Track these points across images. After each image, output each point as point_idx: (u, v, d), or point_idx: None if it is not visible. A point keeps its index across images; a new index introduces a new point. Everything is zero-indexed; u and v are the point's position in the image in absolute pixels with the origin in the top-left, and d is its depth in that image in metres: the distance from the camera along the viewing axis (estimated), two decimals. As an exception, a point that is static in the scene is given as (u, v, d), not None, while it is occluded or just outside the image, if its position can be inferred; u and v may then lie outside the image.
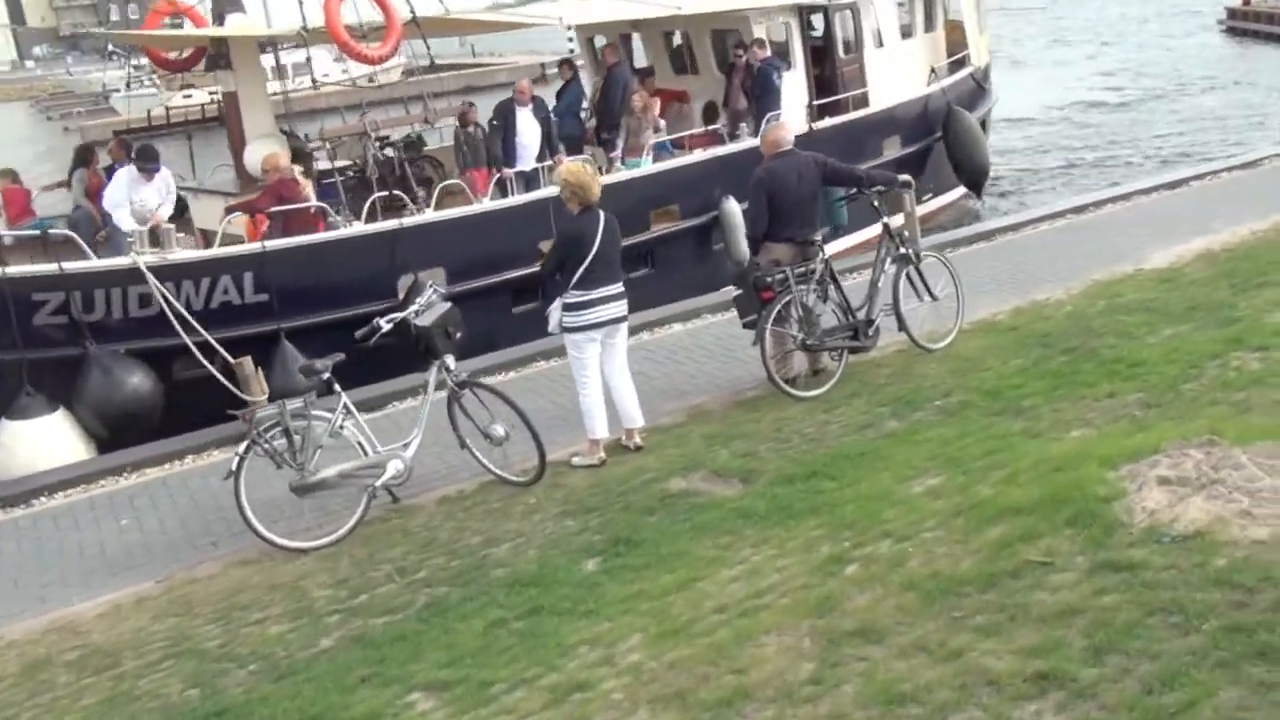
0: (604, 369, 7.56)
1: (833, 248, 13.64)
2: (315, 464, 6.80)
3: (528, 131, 11.63)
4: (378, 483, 6.93)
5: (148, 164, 10.66)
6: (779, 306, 7.97)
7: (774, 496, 6.22)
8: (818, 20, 15.57)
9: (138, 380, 9.21)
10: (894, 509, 5.65)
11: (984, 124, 19.58)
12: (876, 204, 8.59)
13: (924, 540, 5.14)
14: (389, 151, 13.59)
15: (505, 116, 11.69)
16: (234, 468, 6.63)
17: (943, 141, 16.69)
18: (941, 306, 8.87)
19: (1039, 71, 40.44)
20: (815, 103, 14.82)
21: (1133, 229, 12.20)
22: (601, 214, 7.37)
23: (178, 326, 9.06)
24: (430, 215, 10.53)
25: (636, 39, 16.01)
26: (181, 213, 11.52)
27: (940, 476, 6.00)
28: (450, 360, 7.20)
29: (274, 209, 10.03)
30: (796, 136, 13.96)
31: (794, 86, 14.66)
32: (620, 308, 7.47)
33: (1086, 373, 7.47)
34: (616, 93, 13.15)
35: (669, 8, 13.36)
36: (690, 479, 6.86)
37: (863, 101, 15.64)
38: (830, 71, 15.62)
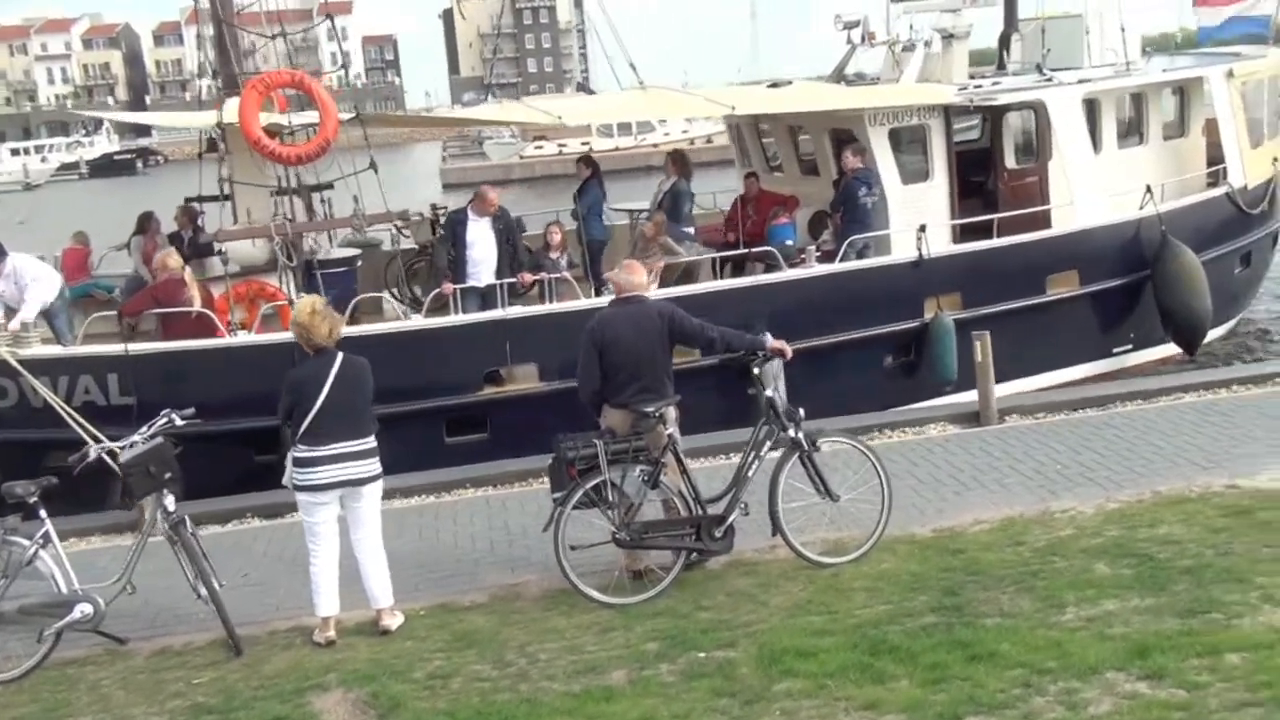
0: (350, 536, 6.44)
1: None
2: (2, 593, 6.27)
3: (479, 244, 10.51)
4: (55, 626, 6.25)
5: None
6: (585, 488, 6.43)
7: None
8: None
9: None
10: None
11: (1248, 259, 15.87)
12: (756, 371, 6.77)
13: None
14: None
15: (453, 228, 10.67)
16: None
17: (1151, 282, 13.43)
18: (851, 509, 6.84)
19: None
20: (956, 222, 12.50)
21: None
22: (340, 357, 6.27)
23: (71, 417, 8.74)
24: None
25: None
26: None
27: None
28: (168, 501, 6.42)
29: (152, 310, 9.65)
30: (907, 263, 12.12)
31: (931, 201, 12.49)
32: (361, 468, 6.29)
33: (906, 654, 5.31)
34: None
35: (721, 108, 11.75)
36: (347, 696, 5.62)
37: (1042, 222, 13.05)
38: (994, 184, 13.22)
